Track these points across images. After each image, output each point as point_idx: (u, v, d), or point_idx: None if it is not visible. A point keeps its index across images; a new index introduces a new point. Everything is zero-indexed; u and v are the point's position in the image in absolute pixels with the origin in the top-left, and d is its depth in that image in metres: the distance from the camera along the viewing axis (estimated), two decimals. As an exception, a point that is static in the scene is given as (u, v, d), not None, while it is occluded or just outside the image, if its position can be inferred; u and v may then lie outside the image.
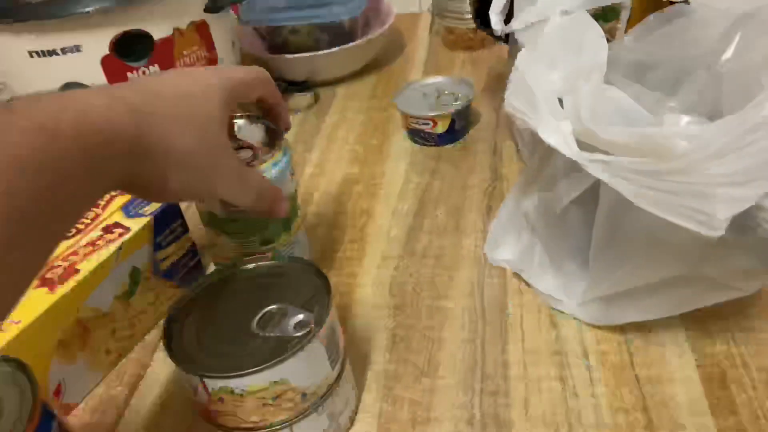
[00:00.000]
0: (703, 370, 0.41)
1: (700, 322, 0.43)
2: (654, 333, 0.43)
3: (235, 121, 0.44)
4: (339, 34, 0.82)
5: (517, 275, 0.49)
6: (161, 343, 0.35)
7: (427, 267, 0.52)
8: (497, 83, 0.77)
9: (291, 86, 0.78)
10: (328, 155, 0.68)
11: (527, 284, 0.48)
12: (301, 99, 0.79)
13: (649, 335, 0.43)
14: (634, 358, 0.42)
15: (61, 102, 0.27)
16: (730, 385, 0.39)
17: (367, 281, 0.51)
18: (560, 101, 0.40)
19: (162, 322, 0.36)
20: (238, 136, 0.43)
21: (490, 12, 0.51)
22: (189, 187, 0.34)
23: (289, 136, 0.73)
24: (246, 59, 0.77)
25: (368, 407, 0.41)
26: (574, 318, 0.45)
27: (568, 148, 0.36)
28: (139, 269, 0.47)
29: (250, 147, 0.43)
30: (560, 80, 0.40)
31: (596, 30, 0.42)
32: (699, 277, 0.38)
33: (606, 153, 0.36)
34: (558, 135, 0.36)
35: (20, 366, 0.30)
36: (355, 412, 0.41)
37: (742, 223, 0.32)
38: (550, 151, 0.47)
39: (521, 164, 0.62)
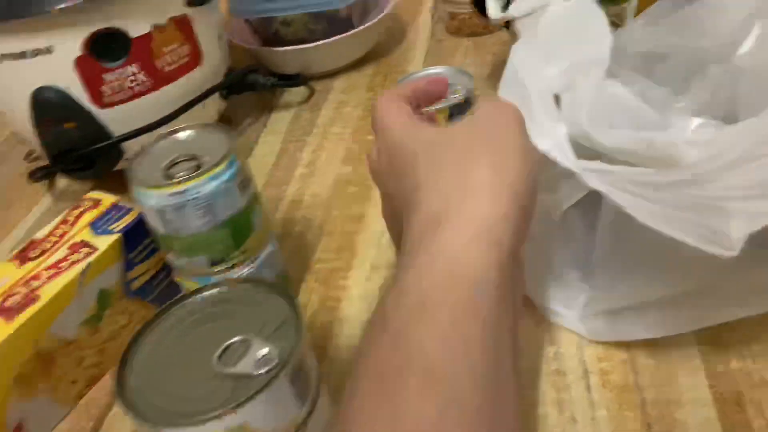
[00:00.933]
0: (716, 390, 0.36)
1: (713, 335, 0.39)
2: (662, 348, 0.39)
3: None
4: (334, 24, 0.77)
5: (516, 286, 0.45)
6: (115, 380, 0.32)
7: (421, 278, 0.48)
8: (501, 70, 0.72)
9: (282, 80, 0.74)
10: (320, 154, 0.65)
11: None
12: (294, 94, 0.75)
13: (657, 351, 0.39)
14: (639, 377, 0.38)
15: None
16: (746, 407, 0.35)
17: (355, 295, 0.48)
18: (558, 98, 0.36)
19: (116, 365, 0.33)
20: None
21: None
22: None
23: (279, 135, 0.69)
24: (236, 52, 0.74)
25: (350, 441, 0.38)
26: (576, 333, 0.41)
27: (563, 155, 0.31)
28: (108, 291, 0.44)
29: None
30: (558, 75, 0.36)
31: (600, 18, 0.37)
32: (714, 292, 0.33)
33: (609, 157, 0.31)
34: (551, 140, 0.32)
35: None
36: (334, 448, 0.37)
37: (764, 237, 0.28)
38: (549, 151, 0.43)
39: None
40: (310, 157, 0.64)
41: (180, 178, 0.38)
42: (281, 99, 0.75)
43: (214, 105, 0.67)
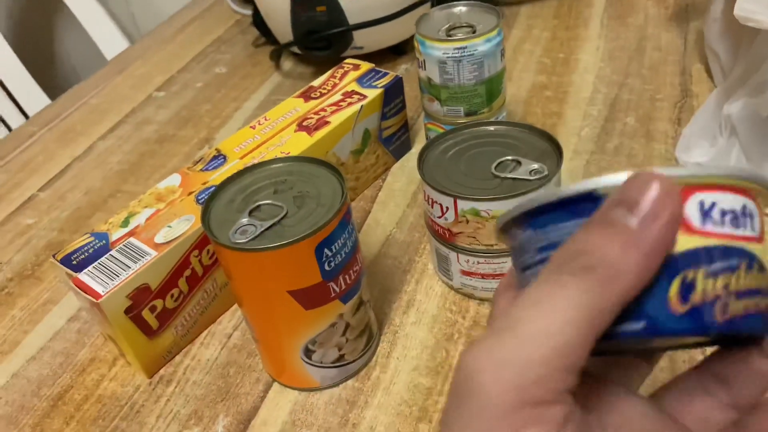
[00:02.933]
0: None
1: None
2: None
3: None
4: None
5: (707, 176, 0.53)
6: (417, 167, 0.42)
7: (620, 164, 0.56)
8: (685, 13, 0.78)
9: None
10: (514, 65, 0.73)
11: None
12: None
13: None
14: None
15: None
16: None
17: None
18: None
19: (418, 154, 0.43)
20: None
21: None
22: None
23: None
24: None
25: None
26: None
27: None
28: (369, 132, 0.55)
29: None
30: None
31: None
32: None
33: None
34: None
35: (336, 171, 0.38)
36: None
37: None
38: (760, 60, 0.50)
39: (711, 85, 0.64)
40: (506, 65, 0.73)
41: (462, 37, 0.48)
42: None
43: (425, 10, 0.77)
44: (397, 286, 0.47)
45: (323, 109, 0.53)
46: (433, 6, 0.75)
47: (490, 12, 0.50)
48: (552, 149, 0.43)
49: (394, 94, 0.56)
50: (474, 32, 0.48)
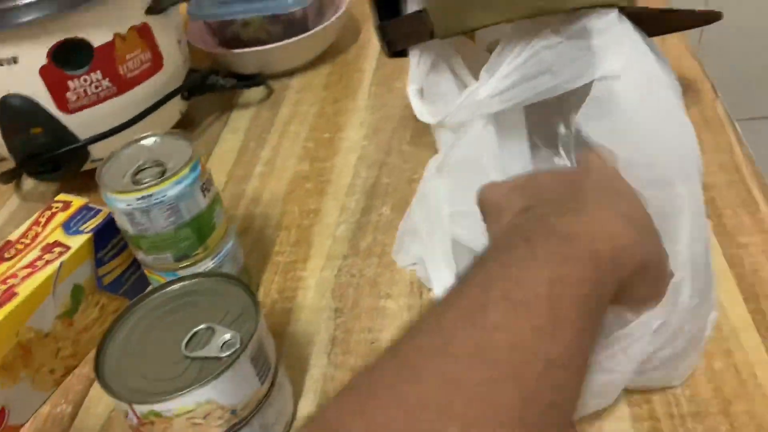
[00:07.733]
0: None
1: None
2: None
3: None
4: (291, 25, 0.81)
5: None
6: (93, 366, 0.36)
7: (371, 266, 0.52)
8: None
9: (241, 80, 0.78)
10: (278, 151, 0.68)
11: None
12: (254, 93, 0.79)
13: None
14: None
15: (591, 228, 0.28)
16: None
17: (311, 284, 0.52)
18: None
19: (94, 349, 0.37)
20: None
21: (408, 89, 0.47)
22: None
23: (239, 133, 0.73)
24: (196, 55, 0.77)
25: (305, 413, 0.42)
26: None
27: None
28: (81, 286, 0.47)
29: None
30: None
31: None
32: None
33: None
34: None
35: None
36: (292, 420, 0.42)
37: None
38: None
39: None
40: (269, 155, 0.68)
41: (147, 184, 0.42)
42: (241, 98, 0.79)
43: (176, 106, 0.70)
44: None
45: (14, 275, 0.45)
46: (173, 97, 0.68)
47: (183, 142, 0.45)
48: (251, 303, 0.38)
49: (108, 235, 0.49)
50: (163, 173, 0.42)
